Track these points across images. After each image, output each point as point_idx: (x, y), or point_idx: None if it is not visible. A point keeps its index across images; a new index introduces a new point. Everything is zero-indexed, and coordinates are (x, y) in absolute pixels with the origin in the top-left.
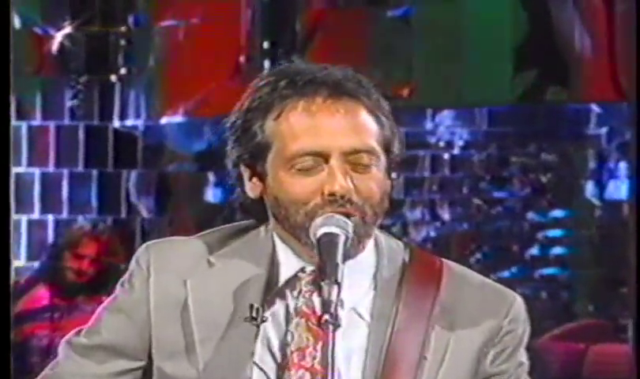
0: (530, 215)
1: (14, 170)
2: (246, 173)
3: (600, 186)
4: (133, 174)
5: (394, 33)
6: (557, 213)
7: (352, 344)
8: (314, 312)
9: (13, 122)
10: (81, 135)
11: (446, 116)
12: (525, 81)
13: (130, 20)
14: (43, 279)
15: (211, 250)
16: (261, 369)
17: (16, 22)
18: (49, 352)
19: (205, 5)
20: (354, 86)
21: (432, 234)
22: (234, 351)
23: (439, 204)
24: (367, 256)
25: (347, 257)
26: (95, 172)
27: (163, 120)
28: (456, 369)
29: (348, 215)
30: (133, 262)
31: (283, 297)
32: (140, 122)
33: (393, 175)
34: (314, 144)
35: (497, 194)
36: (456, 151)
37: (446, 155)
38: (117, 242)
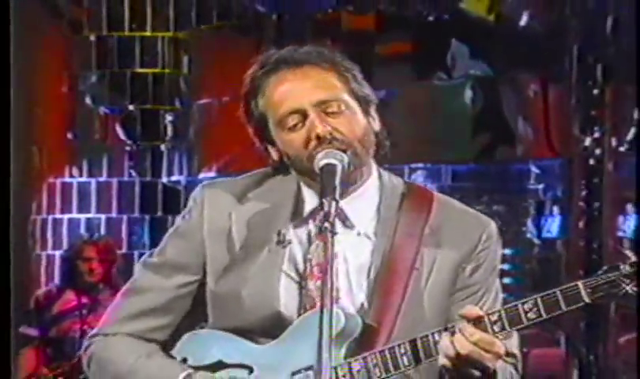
0: None
1: (85, 215)
2: (263, 144)
3: (538, 229)
4: (178, 219)
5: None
6: (506, 251)
7: (361, 260)
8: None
9: (85, 179)
10: (137, 188)
11: (419, 174)
12: (479, 146)
13: (176, 100)
14: (69, 286)
15: (249, 189)
16: (288, 276)
17: (89, 102)
18: (81, 342)
19: (234, 86)
20: (311, 56)
21: None
22: (267, 267)
23: None
24: (372, 190)
25: (348, 181)
26: (147, 217)
27: (201, 175)
28: (440, 278)
29: (338, 149)
30: (191, 199)
31: (306, 224)
32: (182, 178)
33: (374, 114)
34: (291, 104)
35: None
36: None
37: None
38: (111, 243)
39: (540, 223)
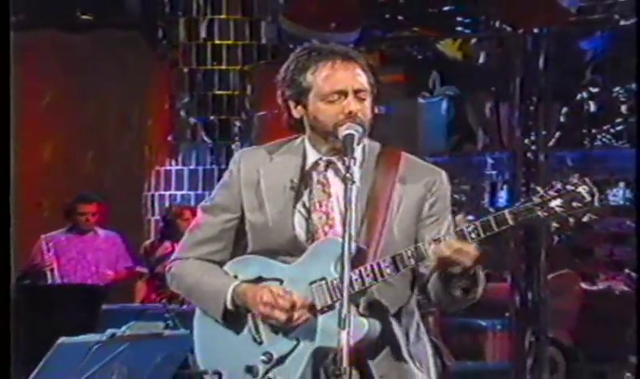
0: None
1: (180, 192)
2: (292, 104)
3: (492, 202)
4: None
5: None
6: (470, 217)
7: (350, 198)
8: (327, 182)
9: (180, 167)
10: (216, 174)
11: None
12: (451, 143)
13: (242, 113)
14: (166, 238)
15: (272, 152)
16: (299, 212)
17: (183, 114)
18: None
19: None
20: (353, 55)
21: None
22: (284, 205)
23: None
24: (359, 151)
25: (357, 146)
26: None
27: None
28: (407, 211)
29: (358, 124)
30: (232, 160)
31: (310, 173)
32: None
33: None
34: (338, 86)
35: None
36: None
37: None
38: (195, 211)
39: (494, 198)
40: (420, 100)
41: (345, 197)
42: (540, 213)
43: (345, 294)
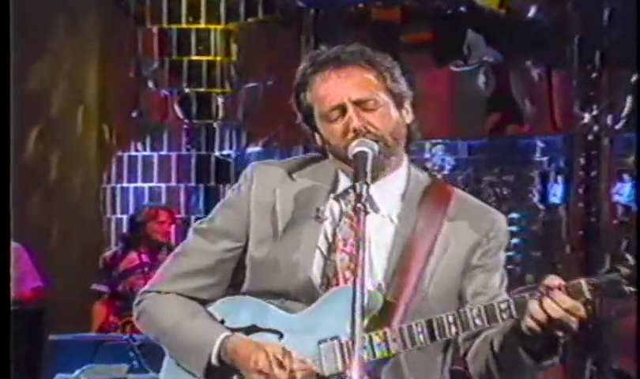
0: None
1: (148, 184)
2: (309, 131)
3: (542, 195)
4: (228, 187)
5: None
6: (514, 215)
7: (383, 240)
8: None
9: (148, 152)
10: (193, 161)
11: (438, 148)
12: (491, 123)
13: (226, 84)
14: (132, 248)
15: (293, 170)
16: (319, 249)
17: (151, 85)
18: None
19: (276, 72)
20: (355, 56)
21: None
22: (304, 240)
23: None
24: (399, 180)
25: (379, 168)
26: (202, 186)
27: (248, 150)
28: (453, 261)
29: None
30: (242, 175)
31: (338, 202)
32: (232, 152)
33: (408, 107)
34: (333, 102)
35: None
36: (445, 172)
37: (439, 176)
38: (173, 210)
39: (544, 191)
40: (452, 69)
41: (357, 232)
42: (626, 289)
43: (356, 361)
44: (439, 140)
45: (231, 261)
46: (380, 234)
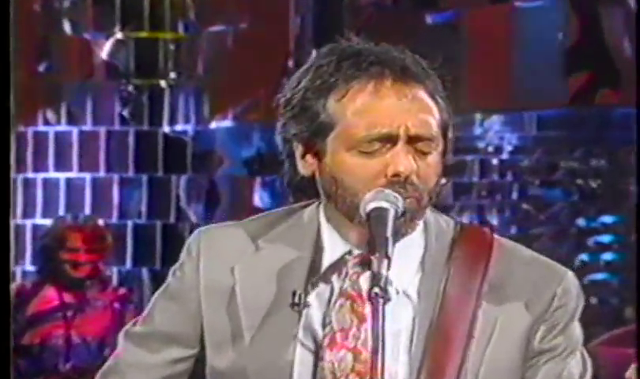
0: (579, 220)
1: (65, 174)
2: (299, 149)
3: None
4: (183, 180)
5: (442, 37)
6: (607, 219)
7: (398, 326)
8: (360, 295)
9: (64, 127)
10: (131, 140)
11: (494, 121)
12: (574, 85)
13: (179, 26)
14: (49, 281)
15: (258, 235)
16: (304, 345)
17: (67, 28)
18: (68, 351)
19: (253, 10)
20: (419, 70)
21: None
22: (278, 335)
23: (488, 209)
24: (415, 237)
25: (398, 232)
26: (145, 177)
27: (213, 125)
28: (504, 347)
29: (405, 197)
30: (184, 249)
31: (327, 280)
32: (189, 127)
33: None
34: (384, 129)
35: (546, 199)
36: (505, 155)
37: (495, 160)
38: (101, 228)
39: None
40: (515, 3)
41: (374, 326)
42: None
43: None
44: (495, 111)
45: (183, 376)
46: (394, 316)
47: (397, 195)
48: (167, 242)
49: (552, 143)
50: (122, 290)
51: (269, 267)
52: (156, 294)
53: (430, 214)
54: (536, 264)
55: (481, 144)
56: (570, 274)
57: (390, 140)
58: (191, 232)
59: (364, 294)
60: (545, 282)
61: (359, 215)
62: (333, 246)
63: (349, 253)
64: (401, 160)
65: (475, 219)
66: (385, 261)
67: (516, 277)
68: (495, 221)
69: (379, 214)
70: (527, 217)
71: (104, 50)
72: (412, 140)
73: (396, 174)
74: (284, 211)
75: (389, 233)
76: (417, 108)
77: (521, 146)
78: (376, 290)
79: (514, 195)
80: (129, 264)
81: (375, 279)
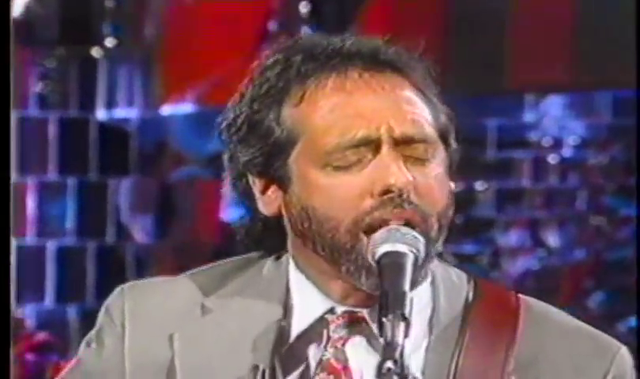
0: None
1: None
2: (258, 183)
3: None
4: (124, 184)
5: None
6: None
7: None
8: (345, 367)
9: None
10: (53, 130)
11: (553, 104)
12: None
13: None
14: None
15: (206, 292)
16: None
17: None
18: None
19: None
20: (396, 56)
21: (535, 266)
22: None
23: (543, 225)
24: (420, 294)
25: (413, 285)
26: (71, 181)
27: (165, 110)
28: None
29: (411, 225)
30: (102, 312)
31: (301, 350)
32: (134, 113)
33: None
34: (359, 131)
35: (624, 211)
36: (567, 152)
37: (553, 158)
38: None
39: None
40: None
41: None
42: None
43: None
44: (557, 92)
45: None
46: None
47: (417, 235)
48: (102, 269)
49: (630, 134)
50: (41, 336)
51: (221, 334)
52: (64, 371)
53: (436, 263)
54: (579, 335)
55: (534, 136)
56: (624, 351)
57: (371, 145)
58: (135, 256)
59: (352, 366)
60: (592, 360)
61: (348, 260)
62: (308, 304)
63: (331, 311)
64: (391, 170)
65: (527, 237)
66: (402, 325)
67: (552, 352)
68: (553, 241)
69: (394, 261)
70: (598, 235)
71: (18, 7)
72: (399, 143)
73: (386, 191)
74: (241, 260)
75: (406, 286)
76: (400, 102)
77: (590, 138)
78: (389, 364)
79: (580, 205)
80: (49, 300)
81: (389, 350)
